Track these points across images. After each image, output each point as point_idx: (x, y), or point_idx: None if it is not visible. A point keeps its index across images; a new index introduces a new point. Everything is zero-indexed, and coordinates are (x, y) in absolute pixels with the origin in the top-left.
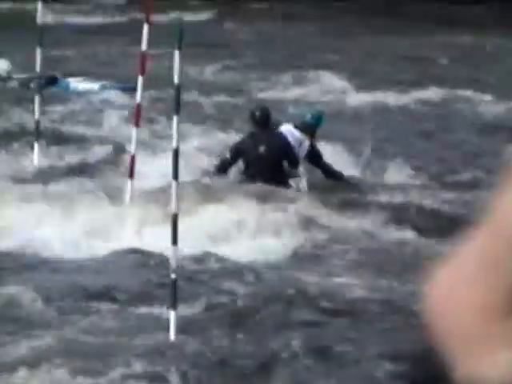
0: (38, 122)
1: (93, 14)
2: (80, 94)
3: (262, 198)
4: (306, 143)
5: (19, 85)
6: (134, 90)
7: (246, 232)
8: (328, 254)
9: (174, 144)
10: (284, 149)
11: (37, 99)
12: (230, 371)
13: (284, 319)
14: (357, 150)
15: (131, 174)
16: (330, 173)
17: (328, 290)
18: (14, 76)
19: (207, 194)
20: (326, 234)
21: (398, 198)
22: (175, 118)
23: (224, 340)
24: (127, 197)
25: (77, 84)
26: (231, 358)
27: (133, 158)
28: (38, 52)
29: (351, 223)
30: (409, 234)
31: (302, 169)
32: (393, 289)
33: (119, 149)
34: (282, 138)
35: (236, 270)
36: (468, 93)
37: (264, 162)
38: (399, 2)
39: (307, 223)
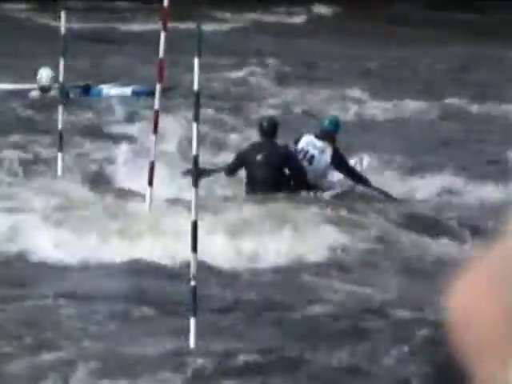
0: (61, 133)
1: (110, 21)
2: (111, 100)
3: (279, 204)
4: (328, 150)
5: (59, 94)
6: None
7: (264, 238)
8: (348, 261)
9: (194, 151)
10: (283, 157)
11: (60, 110)
12: (251, 378)
13: (306, 325)
14: (384, 161)
15: (151, 182)
16: (356, 178)
17: (354, 297)
18: (57, 85)
19: (223, 201)
20: (347, 241)
21: (425, 208)
22: (195, 125)
23: (244, 346)
24: (147, 204)
25: (109, 90)
26: (252, 364)
27: (152, 165)
28: (61, 63)
29: (374, 231)
30: (442, 244)
31: (330, 176)
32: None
33: (139, 156)
34: (283, 148)
35: (255, 276)
36: (497, 103)
37: (261, 170)
38: (435, 10)
39: (330, 229)
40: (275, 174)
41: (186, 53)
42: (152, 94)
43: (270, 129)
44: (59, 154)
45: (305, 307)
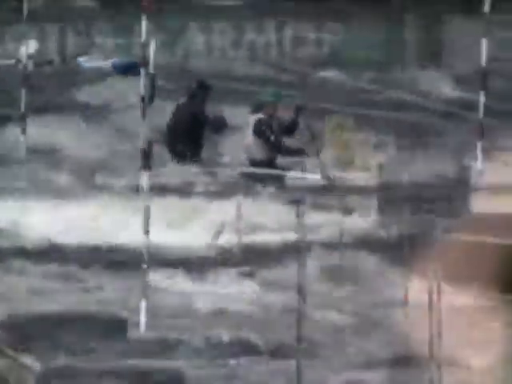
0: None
1: None
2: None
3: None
4: (252, 120)
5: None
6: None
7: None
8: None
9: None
10: (188, 118)
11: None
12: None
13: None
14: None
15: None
16: (274, 148)
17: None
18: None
19: None
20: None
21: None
22: None
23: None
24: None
25: (88, 63)
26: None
27: None
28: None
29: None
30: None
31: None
32: None
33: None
34: (192, 109)
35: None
36: None
37: (170, 134)
38: None
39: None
40: (182, 137)
41: None
42: (134, 67)
43: (192, 90)
44: None
45: (330, 294)
